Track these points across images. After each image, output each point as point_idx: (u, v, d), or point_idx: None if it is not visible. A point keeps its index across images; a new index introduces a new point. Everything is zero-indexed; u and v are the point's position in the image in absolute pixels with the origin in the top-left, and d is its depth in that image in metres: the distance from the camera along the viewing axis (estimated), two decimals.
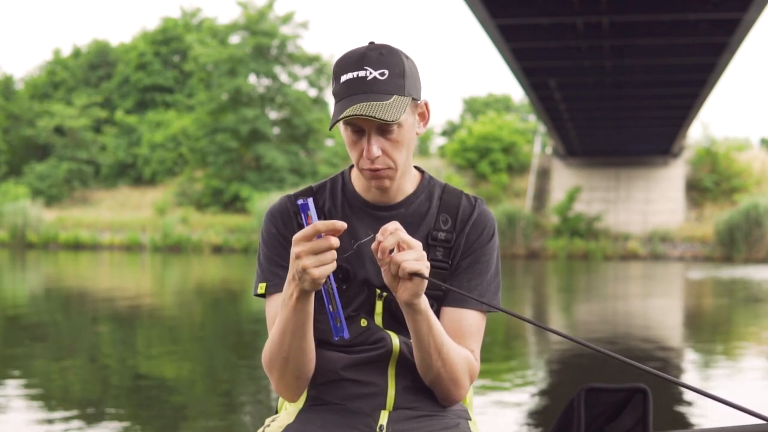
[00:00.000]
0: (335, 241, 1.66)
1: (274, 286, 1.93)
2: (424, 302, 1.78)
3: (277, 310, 1.88)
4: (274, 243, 1.96)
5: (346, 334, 1.70)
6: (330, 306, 1.71)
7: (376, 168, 1.85)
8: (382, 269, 1.74)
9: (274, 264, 1.94)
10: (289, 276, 1.73)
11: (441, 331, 1.83)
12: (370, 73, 1.81)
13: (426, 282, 1.73)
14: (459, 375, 1.88)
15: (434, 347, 1.83)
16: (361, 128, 1.83)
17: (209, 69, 44.43)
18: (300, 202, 1.69)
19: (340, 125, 1.87)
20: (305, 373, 1.87)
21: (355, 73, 1.82)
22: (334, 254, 1.68)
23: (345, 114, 1.77)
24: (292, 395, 1.91)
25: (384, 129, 1.83)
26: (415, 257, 1.70)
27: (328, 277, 1.70)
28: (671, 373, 7.19)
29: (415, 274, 1.71)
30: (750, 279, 21.59)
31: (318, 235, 1.66)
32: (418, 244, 1.72)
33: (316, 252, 1.66)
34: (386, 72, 1.82)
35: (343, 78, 1.83)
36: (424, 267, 1.71)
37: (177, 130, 45.80)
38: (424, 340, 1.82)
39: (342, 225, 1.66)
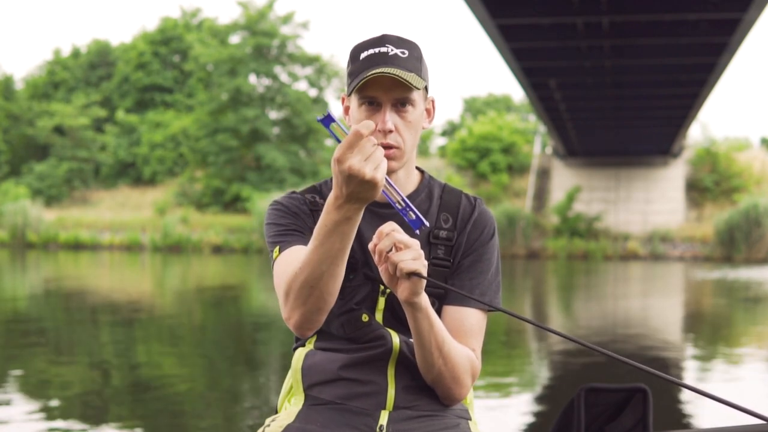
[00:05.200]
0: (374, 139, 1.64)
1: (287, 244, 1.90)
2: (424, 300, 1.78)
3: (293, 256, 1.83)
4: (280, 215, 1.95)
5: (426, 222, 1.67)
6: (397, 204, 1.68)
7: (387, 144, 1.84)
8: (380, 269, 1.74)
9: (282, 232, 1.93)
10: (336, 199, 1.66)
11: (442, 329, 1.83)
12: (392, 50, 1.84)
13: (425, 280, 1.73)
14: (460, 373, 1.88)
15: (436, 345, 1.82)
16: (377, 102, 1.84)
17: (209, 69, 44.43)
18: (318, 118, 1.66)
19: (354, 102, 1.88)
20: (329, 303, 1.79)
21: (376, 49, 1.84)
22: (382, 151, 1.65)
23: (372, 72, 1.78)
24: (307, 327, 1.82)
25: (400, 106, 1.85)
26: (412, 257, 1.70)
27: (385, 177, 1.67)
28: (671, 374, 7.19)
29: (412, 274, 1.71)
30: (750, 279, 21.58)
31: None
32: (415, 243, 1.71)
33: (367, 156, 1.63)
34: (406, 52, 1.85)
35: (363, 55, 1.85)
36: (422, 266, 1.71)
37: (177, 130, 45.78)
38: (426, 338, 1.81)
39: (370, 124, 1.62)
